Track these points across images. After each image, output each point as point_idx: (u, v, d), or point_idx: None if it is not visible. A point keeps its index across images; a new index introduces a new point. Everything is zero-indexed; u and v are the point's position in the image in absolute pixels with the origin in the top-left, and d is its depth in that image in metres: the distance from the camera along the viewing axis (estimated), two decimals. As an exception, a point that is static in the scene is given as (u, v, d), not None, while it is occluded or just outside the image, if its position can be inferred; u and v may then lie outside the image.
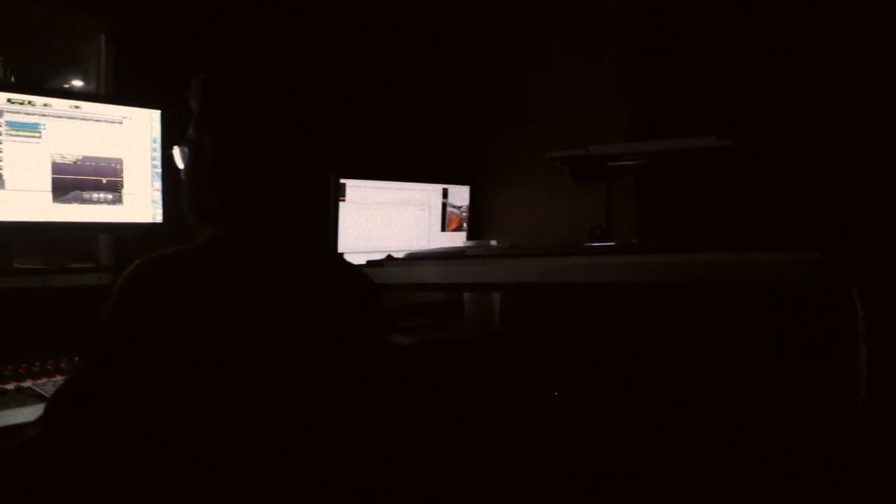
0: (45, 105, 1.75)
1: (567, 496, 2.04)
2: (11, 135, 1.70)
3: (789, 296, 1.80)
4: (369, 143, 2.60)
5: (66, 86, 2.47)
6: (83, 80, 2.47)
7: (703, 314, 1.99)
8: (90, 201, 1.81)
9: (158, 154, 1.90)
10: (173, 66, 2.04)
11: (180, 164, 1.15)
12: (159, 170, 1.90)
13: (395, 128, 2.72)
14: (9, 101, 1.70)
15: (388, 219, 2.48)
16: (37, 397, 1.37)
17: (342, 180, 2.30)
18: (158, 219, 1.92)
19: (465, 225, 2.76)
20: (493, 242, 2.59)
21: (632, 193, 2.49)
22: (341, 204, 2.30)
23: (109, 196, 1.84)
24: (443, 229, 2.67)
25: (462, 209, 2.74)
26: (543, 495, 2.05)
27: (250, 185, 1.09)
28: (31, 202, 1.73)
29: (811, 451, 1.70)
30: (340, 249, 2.26)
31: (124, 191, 1.86)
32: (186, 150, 1.13)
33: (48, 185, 1.75)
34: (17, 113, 1.71)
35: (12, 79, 2.21)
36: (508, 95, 2.86)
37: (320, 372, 1.07)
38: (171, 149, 1.15)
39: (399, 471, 1.29)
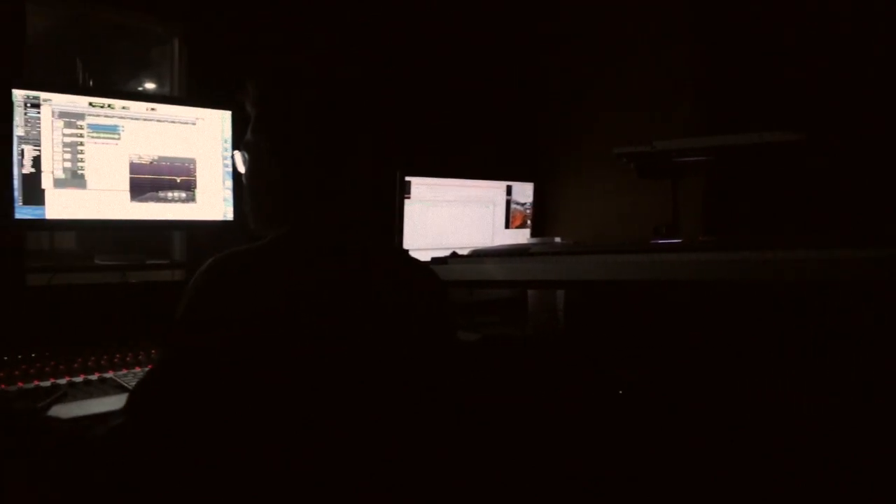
0: (124, 108, 1.81)
1: (634, 494, 2.01)
2: (93, 137, 1.77)
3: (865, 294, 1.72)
4: (434, 141, 2.61)
5: (139, 89, 2.56)
6: (154, 82, 2.56)
7: (771, 313, 1.93)
8: (165, 200, 1.87)
9: (229, 154, 1.95)
10: (243, 68, 2.08)
11: (241, 169, 1.18)
12: (230, 169, 1.95)
13: (459, 125, 2.72)
14: (90, 104, 1.77)
15: (453, 216, 2.48)
16: (118, 387, 1.42)
17: (407, 178, 2.32)
18: (229, 216, 1.97)
19: (529, 222, 2.75)
20: (558, 239, 2.57)
21: (698, 190, 2.43)
22: (406, 201, 2.32)
23: (183, 195, 1.89)
24: (507, 226, 2.66)
25: (526, 206, 2.73)
26: (608, 494, 2.03)
27: (311, 186, 1.10)
28: (111, 201, 1.79)
29: None
30: (405, 247, 2.27)
31: (197, 189, 1.91)
32: (246, 154, 1.15)
33: (126, 185, 1.81)
34: (98, 116, 1.78)
35: (90, 83, 2.30)
36: (574, 91, 2.83)
37: (388, 368, 1.08)
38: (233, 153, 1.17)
39: (463, 468, 1.30)
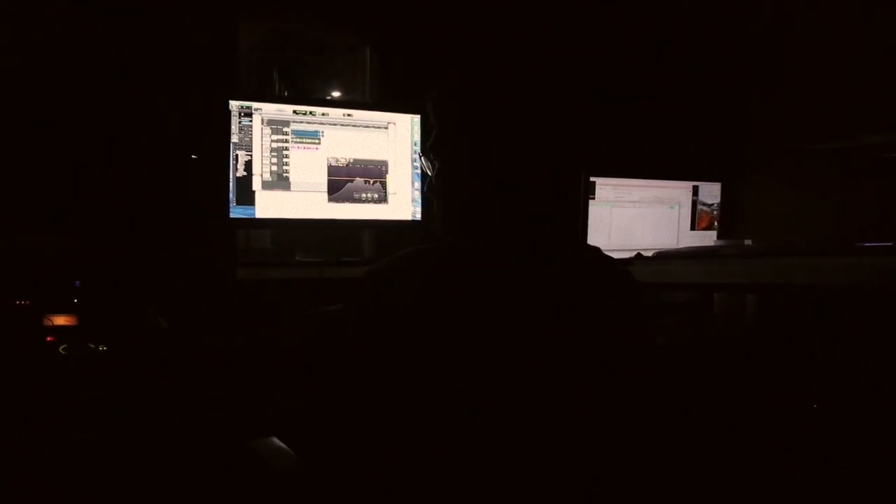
0: (323, 114, 1.93)
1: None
2: (296, 142, 1.90)
3: None
4: (619, 141, 2.56)
5: (329, 97, 2.72)
6: (341, 90, 2.70)
7: None
8: (359, 200, 1.97)
9: (418, 156, 2.02)
10: (431, 73, 2.16)
11: (430, 172, 1.21)
12: (419, 171, 2.02)
13: (644, 125, 2.66)
14: (294, 112, 1.90)
15: (638, 217, 2.43)
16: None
17: (592, 178, 2.29)
18: (418, 217, 2.04)
19: (716, 223, 2.62)
20: (748, 242, 2.44)
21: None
22: (591, 202, 2.30)
23: (376, 195, 1.99)
24: (692, 228, 2.56)
25: (713, 207, 2.61)
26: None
27: (489, 191, 1.11)
28: (311, 202, 1.92)
29: None
30: (590, 248, 2.25)
31: (389, 190, 2.00)
32: (431, 159, 1.18)
33: (324, 186, 1.93)
34: (301, 123, 1.91)
35: (285, 93, 2.48)
36: (765, 85, 2.66)
37: (574, 368, 1.06)
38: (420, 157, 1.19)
39: (652, 470, 1.25)
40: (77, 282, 1.65)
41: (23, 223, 1.71)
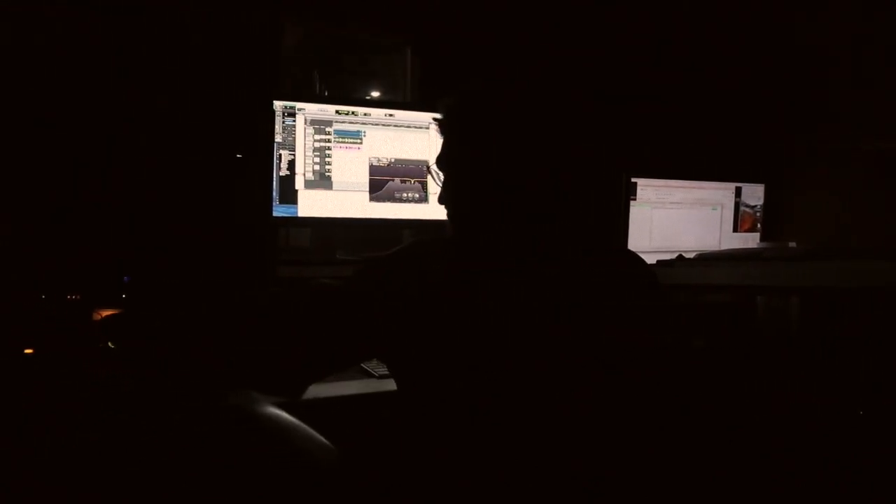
0: (365, 114, 1.95)
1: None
2: (338, 142, 1.92)
3: None
4: (661, 142, 2.54)
5: (367, 97, 2.73)
6: (379, 90, 2.72)
7: None
8: (400, 200, 1.98)
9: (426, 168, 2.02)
10: (470, 73, 2.16)
11: (437, 183, 1.21)
12: (459, 171, 2.02)
13: (687, 125, 2.63)
14: (337, 112, 1.92)
15: (679, 218, 2.40)
16: (361, 372, 1.52)
17: (633, 179, 2.28)
18: (458, 217, 2.04)
19: (759, 225, 2.58)
20: (792, 244, 2.39)
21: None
22: (632, 203, 2.28)
23: (416, 195, 2.00)
24: (735, 230, 2.52)
25: (756, 209, 2.56)
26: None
27: (507, 190, 1.10)
28: (352, 201, 1.93)
29: None
30: (631, 249, 2.23)
31: (429, 190, 2.01)
32: (442, 168, 1.18)
33: (366, 186, 1.95)
34: (343, 123, 1.93)
35: (325, 93, 2.50)
36: (811, 84, 2.61)
37: (601, 369, 1.05)
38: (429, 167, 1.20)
39: (683, 475, 1.24)
40: (126, 277, 1.69)
41: (74, 220, 1.76)
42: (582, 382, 1.03)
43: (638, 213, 2.31)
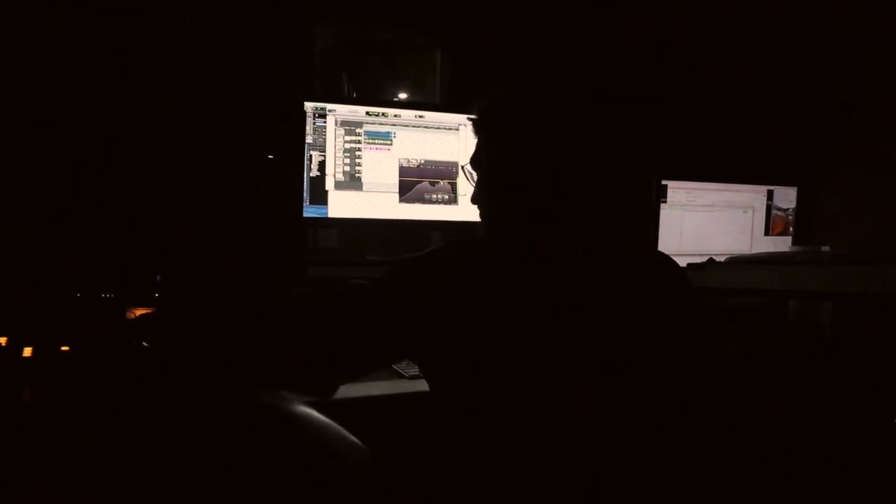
0: (396, 115, 1.95)
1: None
2: (368, 143, 1.93)
3: None
4: (692, 144, 2.51)
5: (395, 98, 2.74)
6: (406, 92, 2.72)
7: None
8: (429, 201, 1.98)
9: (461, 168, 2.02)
10: (499, 74, 2.16)
11: (471, 182, 1.21)
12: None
13: (717, 127, 2.60)
14: (367, 113, 1.93)
15: (710, 221, 2.38)
16: (391, 372, 1.53)
17: (664, 181, 2.26)
18: (487, 218, 2.04)
19: (791, 229, 2.55)
20: (825, 248, 2.36)
21: None
22: (662, 205, 2.27)
23: (445, 196, 2.00)
24: (766, 233, 2.49)
25: (788, 212, 2.53)
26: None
27: (542, 191, 1.10)
28: (382, 202, 1.94)
29: None
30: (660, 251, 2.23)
31: (459, 192, 2.01)
32: (476, 168, 1.18)
33: (396, 187, 1.95)
34: (373, 124, 1.94)
35: (354, 94, 2.51)
36: (847, 86, 2.57)
37: (632, 371, 1.04)
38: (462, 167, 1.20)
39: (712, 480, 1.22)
40: (158, 276, 1.71)
41: (109, 220, 1.78)
42: (623, 386, 1.03)
43: (668, 216, 2.29)
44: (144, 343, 1.50)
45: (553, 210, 1.11)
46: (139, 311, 1.60)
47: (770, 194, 2.49)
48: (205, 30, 1.84)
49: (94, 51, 1.74)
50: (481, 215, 1.20)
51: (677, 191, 2.29)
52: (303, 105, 1.88)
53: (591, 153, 1.14)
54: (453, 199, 2.01)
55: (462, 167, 1.24)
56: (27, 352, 1.44)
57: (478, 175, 1.19)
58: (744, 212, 2.45)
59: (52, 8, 1.69)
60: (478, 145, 1.18)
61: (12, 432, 1.17)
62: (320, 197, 1.89)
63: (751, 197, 2.46)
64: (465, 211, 2.02)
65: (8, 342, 1.45)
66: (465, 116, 2.01)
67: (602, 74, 2.34)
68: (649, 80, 2.46)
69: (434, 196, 1.99)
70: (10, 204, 1.71)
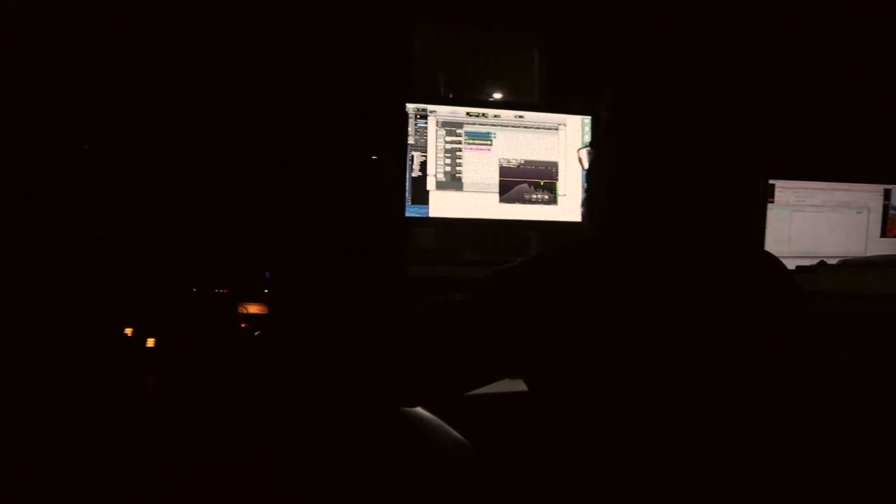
0: (496, 116, 1.97)
1: None
2: (469, 143, 1.95)
3: None
4: (801, 142, 2.42)
5: (491, 99, 2.75)
6: (502, 92, 2.73)
7: None
8: (529, 201, 1.99)
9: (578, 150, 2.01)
10: (599, 75, 2.14)
11: (585, 165, 1.21)
12: (589, 172, 2.01)
13: (828, 123, 2.50)
14: (467, 114, 1.95)
15: (821, 222, 2.29)
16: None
17: (771, 181, 2.19)
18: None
19: (909, 230, 2.43)
20: (948, 251, 2.24)
21: None
22: (770, 206, 2.19)
23: (545, 196, 2.00)
24: (883, 234, 2.38)
25: (907, 212, 2.41)
26: None
27: (653, 190, 1.09)
28: (482, 202, 1.96)
29: None
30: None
31: (558, 192, 2.01)
32: (594, 153, 1.18)
33: (496, 187, 1.97)
34: (474, 124, 1.96)
35: (450, 95, 2.54)
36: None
37: (740, 375, 1.02)
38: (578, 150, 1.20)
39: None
40: (267, 273, 1.79)
41: (222, 216, 1.87)
42: (746, 396, 1.01)
43: (776, 217, 2.21)
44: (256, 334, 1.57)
45: (661, 211, 1.10)
46: (250, 307, 1.68)
47: (887, 193, 2.37)
48: (313, 34, 1.91)
49: (211, 57, 1.83)
50: (594, 217, 1.20)
51: (785, 190, 2.21)
52: (404, 106, 1.92)
53: (704, 154, 1.12)
54: (553, 200, 2.00)
55: (582, 150, 1.24)
56: (150, 342, 1.54)
57: (595, 177, 1.19)
58: (858, 212, 2.34)
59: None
60: (598, 147, 1.19)
61: (139, 417, 1.25)
62: (422, 197, 1.93)
63: (866, 196, 2.35)
64: (565, 211, 2.01)
65: (134, 332, 1.55)
66: (563, 118, 2.00)
67: (711, 71, 2.28)
68: (756, 76, 2.39)
69: (534, 196, 1.99)
70: (133, 206, 1.83)
